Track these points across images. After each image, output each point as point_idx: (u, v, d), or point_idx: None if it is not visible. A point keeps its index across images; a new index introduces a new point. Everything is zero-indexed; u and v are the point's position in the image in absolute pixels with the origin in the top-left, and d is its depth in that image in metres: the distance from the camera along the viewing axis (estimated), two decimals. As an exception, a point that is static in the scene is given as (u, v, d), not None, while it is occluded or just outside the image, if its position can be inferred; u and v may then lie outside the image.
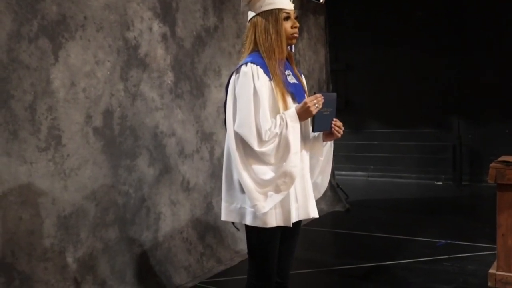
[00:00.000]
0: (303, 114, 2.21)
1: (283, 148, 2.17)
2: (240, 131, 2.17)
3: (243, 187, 2.20)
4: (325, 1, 6.14)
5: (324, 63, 6.29)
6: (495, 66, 7.50)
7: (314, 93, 2.25)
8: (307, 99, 2.20)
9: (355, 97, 8.55)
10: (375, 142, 8.49)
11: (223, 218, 2.36)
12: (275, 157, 2.18)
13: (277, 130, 2.16)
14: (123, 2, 3.36)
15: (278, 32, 2.28)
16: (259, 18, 2.30)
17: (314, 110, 2.19)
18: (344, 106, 8.40)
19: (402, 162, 8.28)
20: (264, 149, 2.15)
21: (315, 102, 2.19)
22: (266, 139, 2.15)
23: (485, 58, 7.58)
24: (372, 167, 8.54)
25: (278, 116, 2.20)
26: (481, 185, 7.50)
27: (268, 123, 2.16)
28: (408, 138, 8.24)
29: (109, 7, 3.25)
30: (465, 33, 7.74)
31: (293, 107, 2.25)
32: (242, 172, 2.18)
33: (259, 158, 2.17)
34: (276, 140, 2.16)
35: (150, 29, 3.58)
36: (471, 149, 7.82)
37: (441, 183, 7.93)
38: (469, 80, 7.76)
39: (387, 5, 8.17)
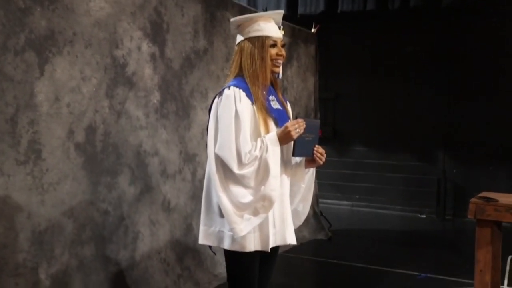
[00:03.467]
0: (283, 138, 2.21)
1: (263, 171, 2.17)
2: (220, 153, 2.17)
3: (222, 209, 2.19)
4: (317, 31, 6.25)
5: (312, 91, 6.33)
6: (483, 103, 7.60)
7: (296, 118, 2.26)
8: (288, 123, 2.22)
9: (343, 126, 8.59)
10: (361, 172, 8.50)
11: (200, 241, 2.35)
12: (255, 180, 2.17)
13: (257, 153, 2.17)
14: (114, 20, 3.38)
15: (263, 59, 2.31)
16: (246, 43, 2.33)
17: (294, 135, 2.20)
18: (331, 135, 8.44)
19: (387, 193, 8.29)
20: (243, 171, 2.15)
21: (296, 127, 2.20)
22: (246, 162, 2.15)
23: (473, 95, 7.68)
24: (357, 196, 8.54)
25: (258, 139, 2.20)
26: (464, 220, 7.50)
27: (248, 146, 2.17)
28: (394, 170, 8.26)
29: (99, 25, 3.26)
30: (454, 69, 7.85)
31: (274, 131, 2.26)
32: (221, 195, 2.18)
33: (239, 181, 2.17)
34: (256, 163, 2.16)
35: (139, 48, 3.59)
36: (455, 184, 7.85)
37: (424, 216, 7.94)
38: (456, 116, 7.84)
39: (378, 38, 8.28)
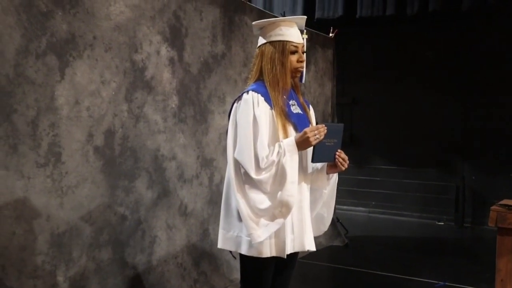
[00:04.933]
0: (301, 143, 2.19)
1: (280, 176, 2.16)
2: (239, 158, 2.17)
3: (240, 214, 2.18)
4: (335, 36, 6.22)
5: (330, 96, 6.30)
6: (502, 109, 7.50)
7: (317, 123, 2.24)
8: (307, 129, 2.19)
9: (360, 131, 8.54)
10: (378, 178, 8.44)
11: (219, 246, 2.34)
12: (272, 186, 2.16)
13: (275, 158, 2.15)
14: (133, 24, 3.40)
15: (283, 64, 2.29)
16: (267, 47, 2.31)
17: (313, 141, 2.17)
18: (349, 140, 8.39)
19: (404, 200, 8.21)
20: (261, 177, 2.14)
21: (315, 133, 2.17)
22: (263, 167, 2.14)
23: (492, 100, 7.59)
24: (373, 203, 8.47)
25: (276, 144, 2.19)
26: (482, 228, 7.40)
27: (265, 151, 2.15)
28: (412, 176, 8.18)
29: (119, 29, 3.28)
30: (473, 74, 7.76)
31: (293, 135, 2.24)
32: (239, 200, 2.17)
33: (257, 186, 2.16)
34: (273, 168, 2.15)
35: (158, 52, 3.60)
36: (474, 191, 7.75)
37: (442, 223, 7.84)
38: (475, 121, 7.75)
39: (396, 43, 8.23)
